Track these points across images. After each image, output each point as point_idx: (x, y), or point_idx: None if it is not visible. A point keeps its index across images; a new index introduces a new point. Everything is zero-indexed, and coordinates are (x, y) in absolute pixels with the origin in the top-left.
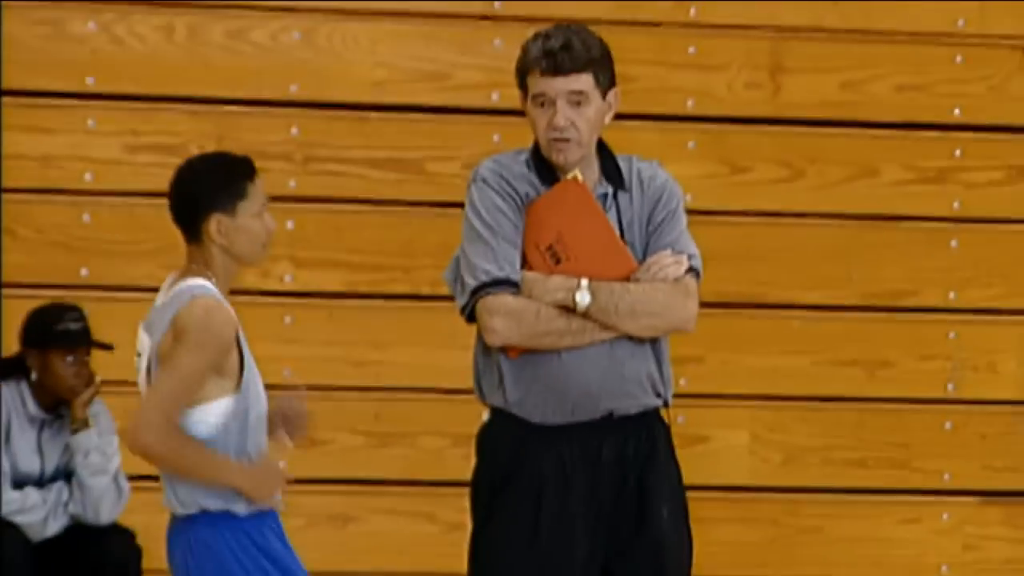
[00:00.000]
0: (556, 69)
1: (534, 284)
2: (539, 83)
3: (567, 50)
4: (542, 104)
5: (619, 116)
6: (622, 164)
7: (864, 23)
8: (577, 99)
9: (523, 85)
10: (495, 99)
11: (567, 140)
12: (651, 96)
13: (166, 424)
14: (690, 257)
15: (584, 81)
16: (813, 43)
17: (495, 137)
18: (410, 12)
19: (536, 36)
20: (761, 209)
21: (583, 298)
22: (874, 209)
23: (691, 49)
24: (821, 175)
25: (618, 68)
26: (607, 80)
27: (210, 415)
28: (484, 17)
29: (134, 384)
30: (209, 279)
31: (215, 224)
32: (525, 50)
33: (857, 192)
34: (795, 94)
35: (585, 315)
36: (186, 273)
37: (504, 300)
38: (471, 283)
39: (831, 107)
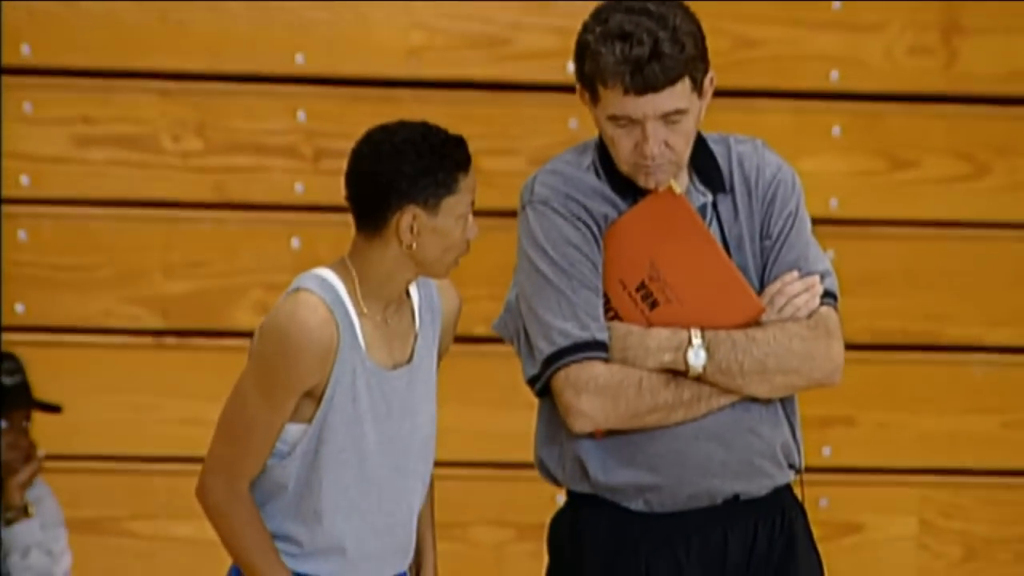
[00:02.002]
0: (645, 87)
1: (628, 341)
2: (621, 103)
3: (657, 59)
4: (623, 125)
5: (741, 93)
6: (717, 151)
7: None
8: (673, 118)
9: (591, 89)
10: (571, 71)
11: (660, 164)
12: (782, 67)
13: (225, 473)
14: (823, 277)
15: (680, 94)
16: None
17: (571, 123)
18: None
19: (606, 29)
20: (932, 218)
21: (697, 358)
22: None
23: (836, 4)
24: (1012, 171)
25: (739, 28)
26: (703, 72)
27: (281, 439)
28: None
29: (88, 458)
30: (343, 274)
31: (409, 219)
32: (592, 51)
33: None
34: (976, 63)
35: (699, 379)
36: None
37: (593, 372)
38: (545, 349)
39: None
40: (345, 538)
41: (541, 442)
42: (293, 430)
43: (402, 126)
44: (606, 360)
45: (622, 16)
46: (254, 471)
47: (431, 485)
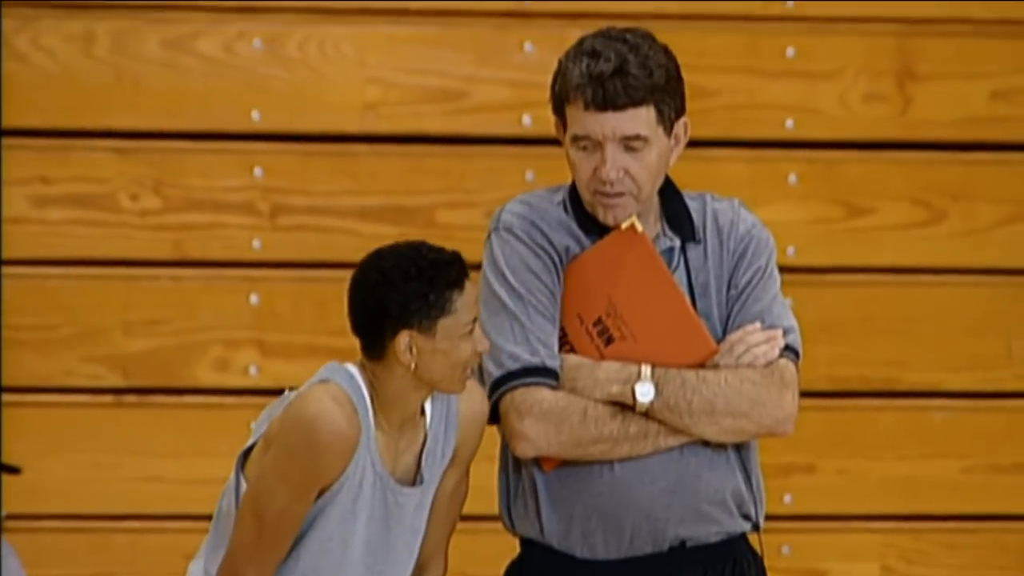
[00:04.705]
0: (605, 103)
1: (579, 372)
2: (582, 120)
3: (620, 77)
4: (585, 147)
5: (696, 143)
6: (692, 206)
7: (1022, 12)
8: (633, 144)
9: (560, 114)
10: (527, 123)
11: (619, 195)
12: (737, 115)
13: (257, 565)
14: (786, 332)
15: (642, 119)
16: (954, 40)
17: (528, 175)
18: (410, 10)
19: (579, 49)
20: (889, 264)
21: (645, 392)
22: None
23: (789, 51)
24: (968, 217)
25: (694, 78)
26: (674, 110)
27: None
28: (510, 14)
29: (50, 518)
30: (364, 376)
31: (405, 342)
32: (563, 69)
33: (1017, 238)
34: (930, 109)
35: (647, 415)
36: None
37: (538, 397)
38: (494, 372)
39: (979, 125)
40: None
41: (504, 475)
42: None
43: (393, 250)
44: (554, 387)
45: (598, 39)
46: (281, 559)
47: None
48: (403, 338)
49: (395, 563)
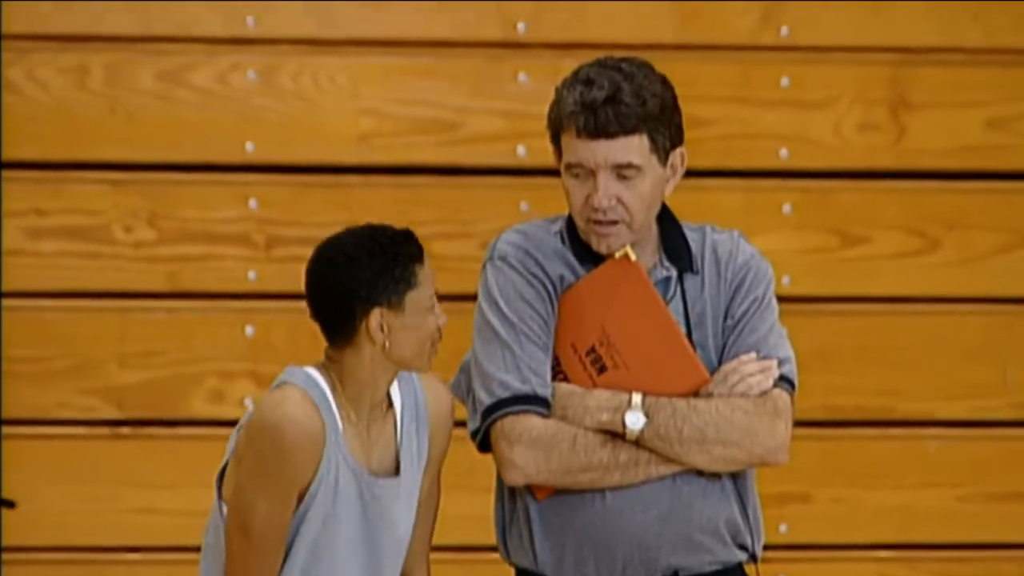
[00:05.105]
0: (597, 131)
1: (569, 400)
2: (575, 147)
3: (613, 105)
4: (578, 175)
5: (690, 173)
6: (692, 236)
7: (1016, 40)
8: (625, 173)
9: (556, 142)
10: (521, 154)
11: (612, 223)
12: (731, 145)
13: None
14: (781, 363)
15: (635, 147)
16: (948, 69)
17: (522, 205)
18: (405, 41)
19: (574, 77)
20: (884, 294)
21: (635, 420)
22: None
23: (784, 80)
24: (963, 246)
25: (688, 108)
26: (669, 139)
27: None
28: (504, 45)
29: (47, 550)
30: (326, 376)
31: (377, 320)
32: (559, 97)
33: (1012, 267)
34: (925, 138)
35: (638, 443)
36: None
37: (528, 425)
38: (485, 400)
39: (973, 154)
40: None
41: (500, 506)
42: None
43: (349, 233)
44: (545, 415)
45: (593, 68)
46: (277, 570)
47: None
48: (374, 316)
49: (382, 558)
